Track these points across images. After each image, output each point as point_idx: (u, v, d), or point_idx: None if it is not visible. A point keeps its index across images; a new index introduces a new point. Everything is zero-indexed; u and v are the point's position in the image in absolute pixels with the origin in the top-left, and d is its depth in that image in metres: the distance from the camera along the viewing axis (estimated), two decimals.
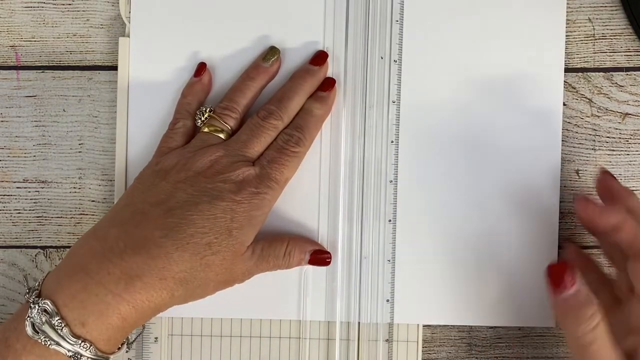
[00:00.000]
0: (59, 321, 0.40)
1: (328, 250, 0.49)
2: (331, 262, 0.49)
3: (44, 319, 0.40)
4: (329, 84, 0.49)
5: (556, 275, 0.39)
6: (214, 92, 0.50)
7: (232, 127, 0.48)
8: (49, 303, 0.40)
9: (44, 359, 0.40)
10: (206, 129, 0.47)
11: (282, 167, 0.46)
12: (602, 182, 0.45)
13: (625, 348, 0.40)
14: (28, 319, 0.40)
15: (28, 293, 0.42)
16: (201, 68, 0.50)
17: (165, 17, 0.50)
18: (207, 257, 0.43)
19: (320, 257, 0.49)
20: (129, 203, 0.45)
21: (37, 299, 0.41)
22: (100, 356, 0.41)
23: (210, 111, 0.48)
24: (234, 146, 0.46)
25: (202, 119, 0.48)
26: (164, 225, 0.43)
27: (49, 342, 0.40)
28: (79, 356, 0.40)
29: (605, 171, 0.46)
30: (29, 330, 0.40)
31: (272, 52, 0.49)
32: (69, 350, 0.40)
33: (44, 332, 0.40)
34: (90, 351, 0.40)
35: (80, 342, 0.40)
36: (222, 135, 0.47)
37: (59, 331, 0.40)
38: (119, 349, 0.44)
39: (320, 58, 0.49)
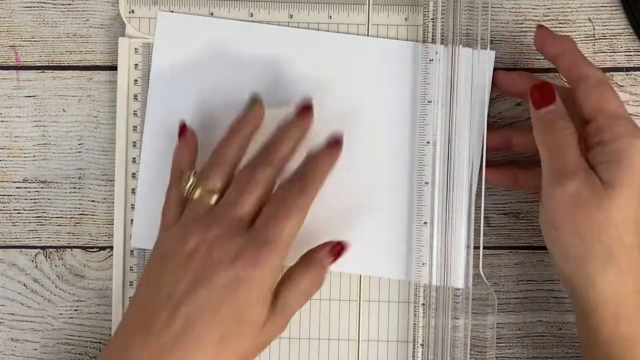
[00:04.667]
0: None
1: (337, 241, 0.45)
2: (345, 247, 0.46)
3: None
4: (336, 141, 0.46)
5: (540, 92, 0.43)
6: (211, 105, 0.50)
7: (220, 186, 0.44)
8: None
9: None
10: (196, 195, 0.44)
11: (283, 224, 0.42)
12: (540, 37, 0.46)
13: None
14: None
15: None
16: (183, 129, 0.47)
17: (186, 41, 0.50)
18: (223, 350, 0.41)
19: (339, 252, 0.45)
20: (138, 302, 0.44)
21: None
22: None
23: (194, 175, 0.45)
24: (223, 211, 0.43)
25: (187, 187, 0.45)
26: (172, 331, 0.41)
27: None
28: None
29: (541, 27, 0.46)
30: None
31: (253, 101, 0.47)
32: None
33: None
34: None
35: None
36: (211, 200, 0.44)
37: None
38: None
39: (306, 110, 0.47)
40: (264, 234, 0.42)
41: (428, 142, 0.49)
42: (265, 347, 0.44)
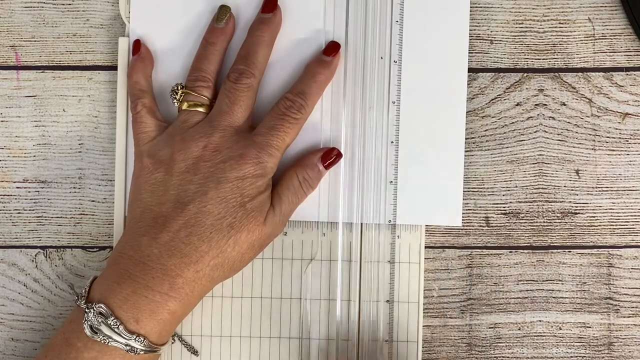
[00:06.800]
0: (115, 321, 0.43)
1: (331, 147, 0.49)
2: (341, 154, 0.49)
3: (100, 320, 0.44)
4: (333, 48, 0.49)
5: None
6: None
7: (208, 98, 0.48)
8: (103, 306, 0.44)
9: (103, 353, 0.44)
10: (185, 106, 0.48)
11: (284, 134, 0.47)
12: None
13: None
14: (85, 322, 0.44)
15: (78, 299, 0.45)
16: (136, 45, 0.50)
17: (165, 17, 0.50)
18: (233, 237, 0.45)
19: (332, 158, 0.49)
20: (144, 207, 0.46)
21: (89, 304, 0.44)
22: (152, 348, 0.45)
23: (182, 87, 0.48)
24: (219, 119, 0.47)
25: (177, 97, 0.48)
26: (185, 224, 0.45)
27: (107, 340, 0.43)
28: (134, 349, 0.44)
29: None
30: (87, 331, 0.44)
31: (223, 12, 0.49)
32: (125, 345, 0.44)
33: (101, 331, 0.44)
34: (143, 344, 0.44)
35: (134, 337, 0.44)
36: (202, 109, 0.47)
37: (115, 329, 0.43)
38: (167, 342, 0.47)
39: (270, 4, 0.49)
40: (265, 140, 0.46)
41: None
42: (270, 240, 0.48)
